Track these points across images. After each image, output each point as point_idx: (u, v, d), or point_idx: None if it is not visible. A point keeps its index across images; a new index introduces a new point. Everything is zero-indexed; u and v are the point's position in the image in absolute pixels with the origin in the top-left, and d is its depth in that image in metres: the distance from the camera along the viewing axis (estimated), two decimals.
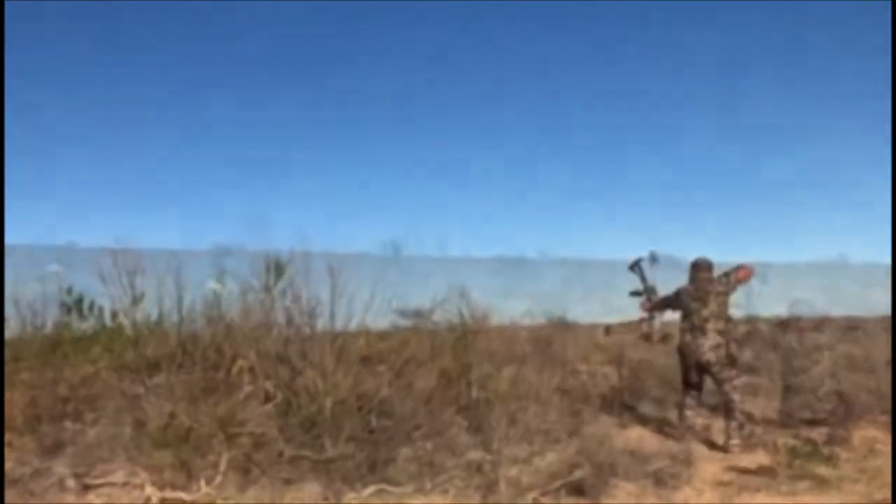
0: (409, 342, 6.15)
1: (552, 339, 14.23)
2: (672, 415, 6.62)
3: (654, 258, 6.74)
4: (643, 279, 6.85)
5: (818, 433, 6.05)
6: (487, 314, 9.78)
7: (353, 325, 5.74)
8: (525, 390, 6.50)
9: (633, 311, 7.03)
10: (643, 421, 6.97)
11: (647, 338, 6.89)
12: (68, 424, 5.10)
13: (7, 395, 5.07)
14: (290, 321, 5.19)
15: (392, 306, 7.07)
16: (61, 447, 5.10)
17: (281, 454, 4.32)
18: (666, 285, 6.70)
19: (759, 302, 9.66)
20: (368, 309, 5.86)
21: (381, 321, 6.96)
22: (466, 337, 7.47)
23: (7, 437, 5.13)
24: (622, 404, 7.51)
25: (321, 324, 5.23)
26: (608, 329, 7.32)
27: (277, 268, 5.05)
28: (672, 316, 6.71)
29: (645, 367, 9.28)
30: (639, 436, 6.37)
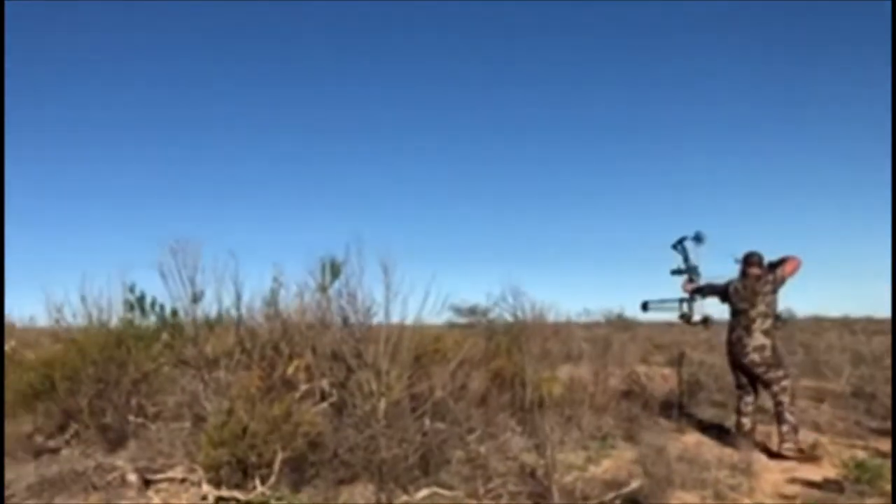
0: (464, 343, 6.11)
1: (610, 338, 14.13)
2: (732, 419, 6.42)
3: (699, 238, 6.51)
4: (686, 258, 6.65)
5: (888, 444, 5.83)
6: (543, 311, 9.70)
7: (409, 322, 5.73)
8: (581, 394, 6.40)
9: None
10: (701, 426, 6.79)
11: (686, 319, 6.67)
12: (131, 418, 5.25)
13: (73, 387, 5.25)
14: (345, 320, 5.20)
15: (448, 303, 7.02)
16: (125, 440, 5.27)
17: (335, 455, 4.34)
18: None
19: None
20: (423, 307, 5.83)
21: (436, 318, 6.94)
22: (521, 336, 7.41)
23: (74, 428, 5.33)
24: (680, 408, 7.33)
25: (376, 322, 5.21)
26: (646, 305, 7.07)
27: (333, 267, 5.07)
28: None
29: (705, 369, 9.10)
30: (697, 442, 6.20)
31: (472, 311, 15.95)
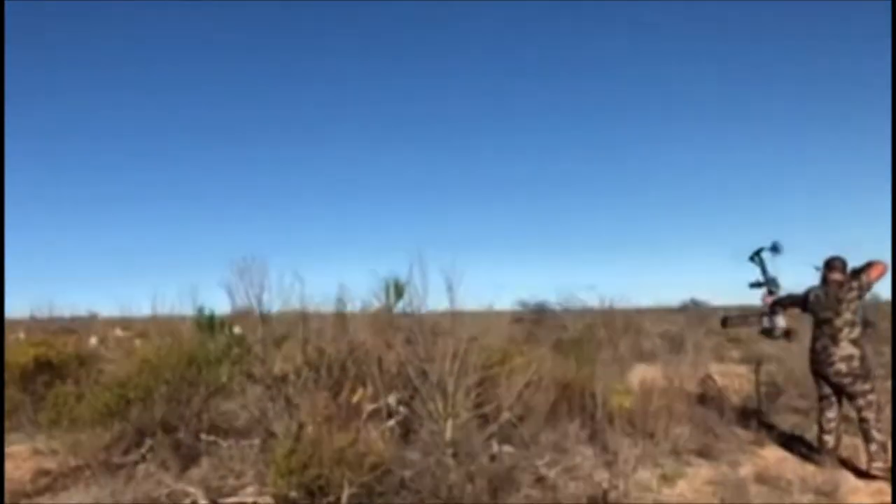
0: (530, 355, 6.00)
1: (683, 334, 13.76)
2: (815, 432, 6.11)
3: (776, 248, 6.22)
4: (764, 271, 6.37)
5: None
6: (613, 304, 9.45)
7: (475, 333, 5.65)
8: (654, 404, 6.19)
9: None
10: (782, 438, 6.48)
11: (767, 333, 6.38)
12: (203, 437, 5.34)
13: (146, 406, 5.38)
14: (409, 340, 5.16)
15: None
16: (197, 457, 5.37)
17: (402, 484, 4.30)
18: None
19: None
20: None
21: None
22: (590, 341, 7.23)
23: (149, 444, 5.45)
24: (759, 417, 7.05)
25: (441, 341, 5.14)
26: (725, 321, 6.79)
27: (397, 287, 5.02)
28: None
29: (784, 372, 8.67)
30: (777, 459, 5.93)
31: (541, 307, 15.87)
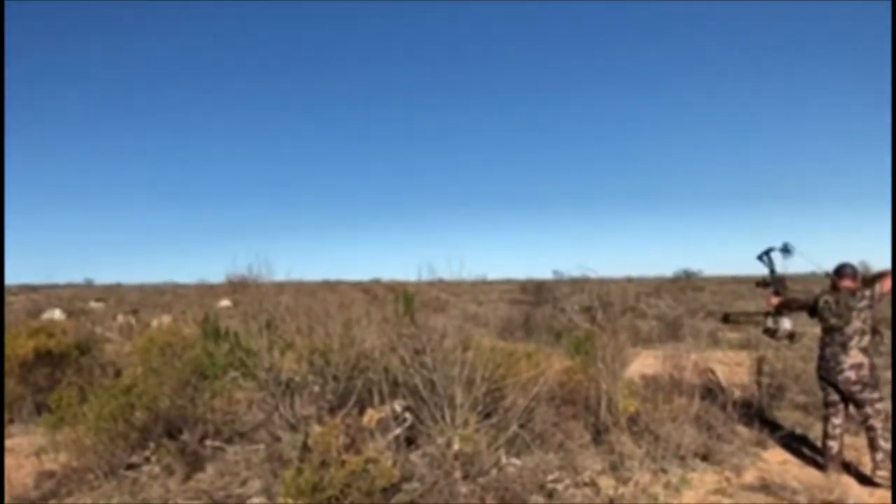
0: (537, 358, 5.97)
1: (681, 320, 13.77)
2: (818, 430, 6.12)
3: (787, 249, 6.18)
4: (772, 270, 6.34)
5: None
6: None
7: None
8: (658, 409, 6.18)
9: None
10: (784, 439, 6.48)
11: (770, 334, 6.37)
12: (208, 442, 5.31)
13: (152, 411, 5.35)
14: (417, 350, 5.11)
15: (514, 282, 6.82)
16: (203, 462, 5.35)
17: (411, 502, 4.29)
18: None
19: None
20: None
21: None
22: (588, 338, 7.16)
23: (153, 446, 5.42)
24: (760, 415, 7.07)
25: (447, 352, 5.10)
26: (727, 317, 6.76)
27: (406, 297, 4.96)
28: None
29: (788, 364, 8.63)
30: (781, 461, 5.96)
31: (539, 288, 15.86)
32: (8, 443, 6.66)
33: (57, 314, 17.68)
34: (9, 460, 6.01)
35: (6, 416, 7.24)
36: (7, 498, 5.09)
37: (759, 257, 6.35)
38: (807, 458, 5.96)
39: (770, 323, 6.29)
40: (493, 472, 4.70)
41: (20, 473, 5.54)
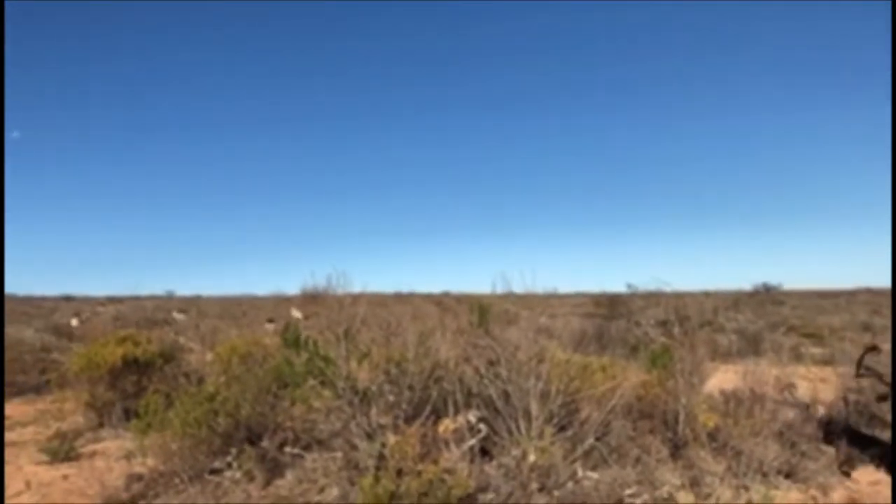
0: (612, 371, 5.89)
1: (761, 334, 13.33)
2: None
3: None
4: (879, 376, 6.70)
5: None
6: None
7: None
8: (738, 425, 6.00)
9: None
10: (874, 457, 6.19)
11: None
12: (287, 449, 5.44)
13: (233, 417, 5.52)
14: (491, 361, 5.12)
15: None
16: (282, 468, 5.47)
17: None
18: None
19: None
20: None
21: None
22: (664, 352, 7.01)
23: (235, 451, 5.58)
24: (849, 432, 6.77)
25: (522, 364, 5.09)
26: (860, 368, 6.85)
27: (481, 308, 4.97)
28: None
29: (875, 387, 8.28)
30: (872, 482, 5.70)
31: (613, 302, 15.65)
32: (98, 446, 6.99)
33: (175, 314, 19.06)
34: (100, 463, 6.30)
35: (97, 421, 7.61)
36: (99, 499, 5.33)
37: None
38: None
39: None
40: (570, 484, 4.65)
41: (111, 476, 5.77)
